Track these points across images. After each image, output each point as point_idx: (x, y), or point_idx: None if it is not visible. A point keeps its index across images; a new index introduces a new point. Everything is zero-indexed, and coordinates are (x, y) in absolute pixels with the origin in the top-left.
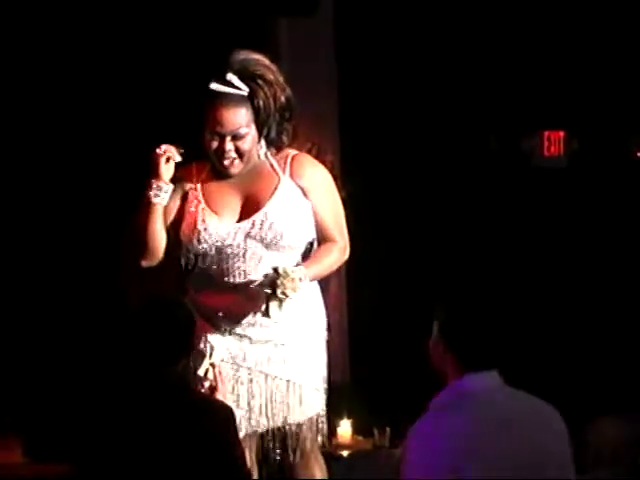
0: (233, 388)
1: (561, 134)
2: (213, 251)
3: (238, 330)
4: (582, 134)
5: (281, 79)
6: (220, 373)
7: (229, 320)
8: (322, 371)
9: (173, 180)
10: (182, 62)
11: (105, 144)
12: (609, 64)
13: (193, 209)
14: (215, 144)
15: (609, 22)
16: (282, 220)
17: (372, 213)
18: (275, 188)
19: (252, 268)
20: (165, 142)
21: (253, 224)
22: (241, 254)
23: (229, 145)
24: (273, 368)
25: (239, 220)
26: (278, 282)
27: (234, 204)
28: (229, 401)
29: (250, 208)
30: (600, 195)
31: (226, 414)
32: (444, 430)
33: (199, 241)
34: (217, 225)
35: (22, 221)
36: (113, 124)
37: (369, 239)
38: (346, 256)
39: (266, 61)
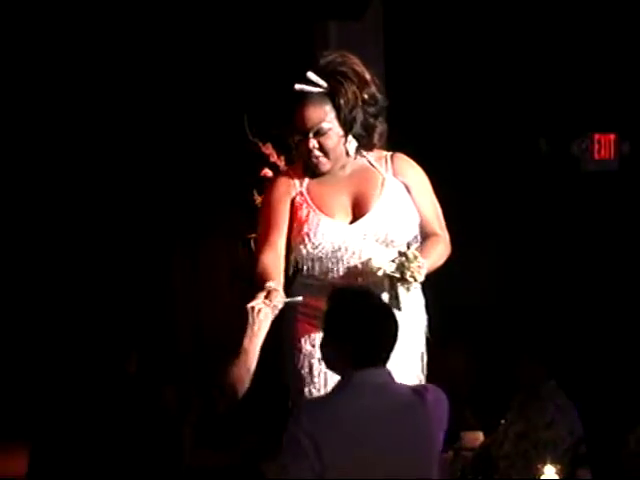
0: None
1: (612, 137)
2: (329, 254)
3: None
4: (633, 137)
5: (367, 76)
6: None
7: None
8: (419, 368)
9: (277, 189)
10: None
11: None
12: None
13: (304, 214)
14: (300, 143)
15: None
16: (391, 217)
17: None
18: (382, 186)
19: (365, 267)
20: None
21: (367, 224)
22: (357, 254)
23: (312, 142)
24: None
25: (352, 221)
26: (407, 265)
27: (344, 204)
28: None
29: (361, 208)
30: None
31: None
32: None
33: (316, 245)
34: (332, 227)
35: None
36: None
37: None
38: (449, 251)
39: (352, 59)
